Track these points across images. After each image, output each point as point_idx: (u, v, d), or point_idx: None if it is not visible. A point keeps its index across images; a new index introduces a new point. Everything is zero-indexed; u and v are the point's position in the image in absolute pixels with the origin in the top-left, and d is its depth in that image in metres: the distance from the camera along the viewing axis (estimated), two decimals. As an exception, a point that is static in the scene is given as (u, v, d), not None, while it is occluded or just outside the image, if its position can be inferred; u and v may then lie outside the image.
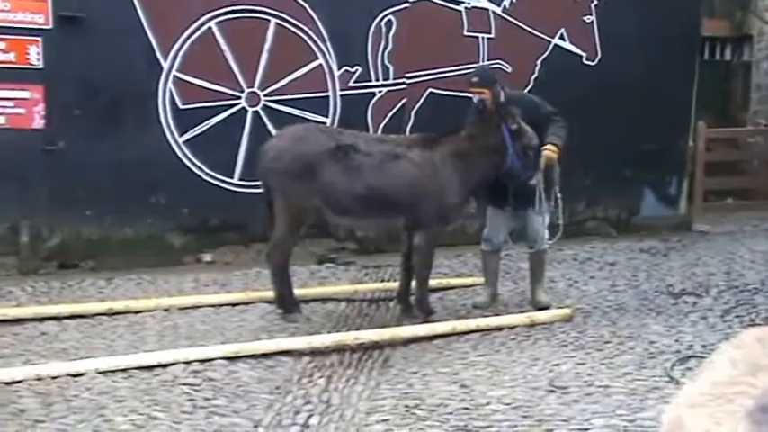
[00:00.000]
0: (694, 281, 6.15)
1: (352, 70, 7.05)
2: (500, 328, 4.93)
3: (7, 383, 3.90)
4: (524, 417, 3.61)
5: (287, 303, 5.11)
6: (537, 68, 7.55)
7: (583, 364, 4.31)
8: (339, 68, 7.00)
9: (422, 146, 5.13)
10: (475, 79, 5.26)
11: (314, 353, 4.47)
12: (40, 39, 6.22)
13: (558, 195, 5.30)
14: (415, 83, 7.22)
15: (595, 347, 4.60)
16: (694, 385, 0.86)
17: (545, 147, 5.14)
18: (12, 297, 5.60)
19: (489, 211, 5.42)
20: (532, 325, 5.00)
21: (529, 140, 5.11)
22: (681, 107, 8.08)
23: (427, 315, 5.12)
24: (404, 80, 7.18)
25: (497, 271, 5.59)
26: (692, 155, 8.48)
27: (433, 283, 5.45)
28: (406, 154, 5.05)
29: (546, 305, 5.34)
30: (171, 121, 6.63)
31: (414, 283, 5.20)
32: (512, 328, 4.95)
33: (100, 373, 4.05)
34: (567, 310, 5.24)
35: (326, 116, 6.97)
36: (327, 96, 7.02)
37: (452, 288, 5.91)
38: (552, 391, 3.91)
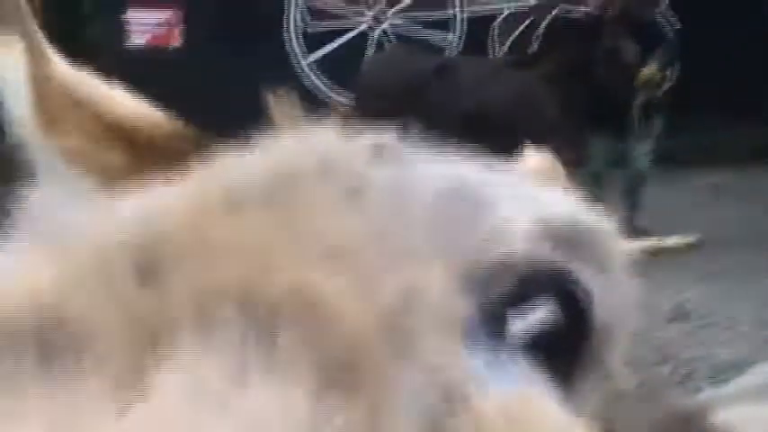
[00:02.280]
0: None
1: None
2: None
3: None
4: (647, 342, 3.58)
5: None
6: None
7: (709, 293, 4.20)
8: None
9: (520, 66, 4.99)
10: None
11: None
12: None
13: (659, 119, 5.02)
14: (542, 2, 6.98)
15: (724, 277, 4.46)
16: None
17: (646, 67, 4.86)
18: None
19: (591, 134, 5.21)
20: (658, 252, 4.87)
21: (627, 60, 4.83)
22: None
23: None
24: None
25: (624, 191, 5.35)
26: None
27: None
28: (506, 75, 4.92)
29: (644, 231, 5.12)
30: (300, 41, 6.76)
31: None
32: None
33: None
34: (696, 238, 5.06)
35: (452, 34, 6.89)
36: (453, 17, 6.92)
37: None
38: (675, 320, 3.86)
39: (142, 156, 0.37)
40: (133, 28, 6.55)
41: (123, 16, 6.51)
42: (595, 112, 5.03)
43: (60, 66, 0.39)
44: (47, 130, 0.38)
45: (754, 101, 7.09)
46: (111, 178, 0.37)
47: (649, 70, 4.84)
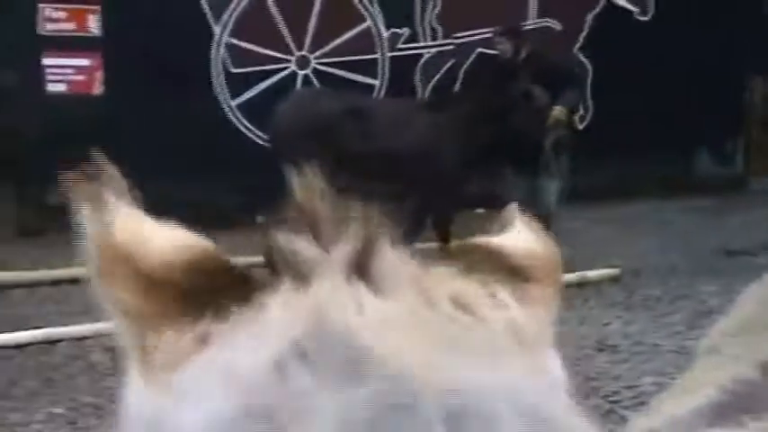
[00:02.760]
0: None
1: (401, 32, 7.05)
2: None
3: (78, 339, 4.12)
4: (573, 374, 3.67)
5: None
6: (587, 25, 7.44)
7: (632, 323, 4.35)
8: (387, 30, 7.01)
9: (428, 110, 5.12)
10: (498, 29, 5.21)
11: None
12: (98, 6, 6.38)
13: (566, 160, 5.23)
14: (464, 43, 7.19)
15: (645, 306, 4.62)
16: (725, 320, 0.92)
17: (555, 108, 5.04)
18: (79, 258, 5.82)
19: (508, 174, 5.35)
20: (581, 284, 5.03)
21: (538, 102, 5.00)
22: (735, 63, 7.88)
23: None
24: (452, 41, 7.16)
25: None
26: (749, 111, 8.29)
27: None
28: (413, 118, 5.04)
29: None
30: (223, 86, 6.75)
31: None
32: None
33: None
34: (617, 270, 5.25)
35: (375, 78, 7.01)
36: (376, 58, 7.05)
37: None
38: (601, 350, 3.96)
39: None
40: (51, 75, 6.44)
41: (41, 62, 6.40)
42: (510, 151, 5.16)
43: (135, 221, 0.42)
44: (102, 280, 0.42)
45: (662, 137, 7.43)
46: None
47: (558, 111, 5.01)
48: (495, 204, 6.38)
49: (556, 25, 7.23)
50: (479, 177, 5.58)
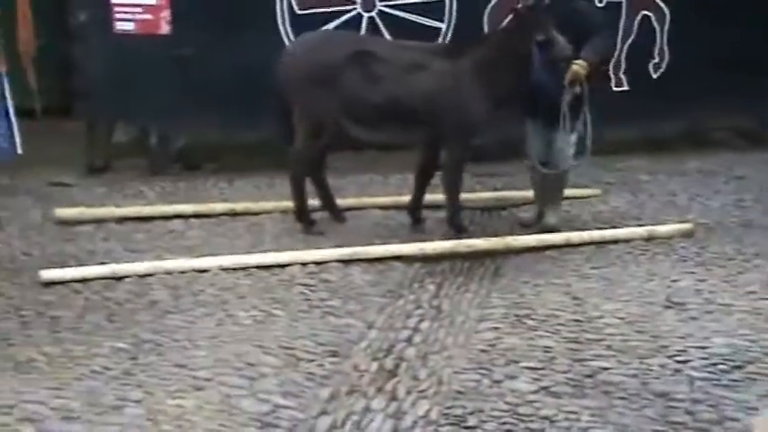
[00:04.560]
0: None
1: (470, -27, 6.81)
2: (616, 242, 4.82)
3: (141, 276, 4.18)
4: (638, 332, 3.55)
5: (304, 218, 5.03)
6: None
7: (703, 281, 4.18)
8: (456, -29, 6.77)
9: (445, 55, 4.88)
10: None
11: (425, 259, 4.53)
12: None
13: (588, 115, 4.88)
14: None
15: (717, 264, 4.43)
16: None
17: (575, 61, 4.70)
18: (143, 196, 5.93)
19: (527, 125, 5.05)
20: (650, 239, 4.85)
21: (559, 52, 4.65)
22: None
23: (459, 232, 4.93)
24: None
25: (543, 187, 5.17)
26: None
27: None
28: (428, 64, 4.81)
29: (553, 228, 4.98)
30: (288, 27, 6.66)
31: (444, 200, 5.04)
32: (628, 241, 4.82)
33: (223, 269, 4.27)
34: (689, 225, 5.04)
35: (442, 22, 6.81)
36: (443, 1, 6.84)
37: (567, 198, 5.79)
38: (669, 307, 3.82)
39: None
40: (119, 14, 6.45)
41: (109, 0, 6.41)
42: (525, 102, 4.93)
43: None
44: None
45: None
46: None
47: (577, 66, 4.70)
48: (508, 157, 6.20)
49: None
50: (495, 127, 5.40)
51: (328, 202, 5.28)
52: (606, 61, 4.77)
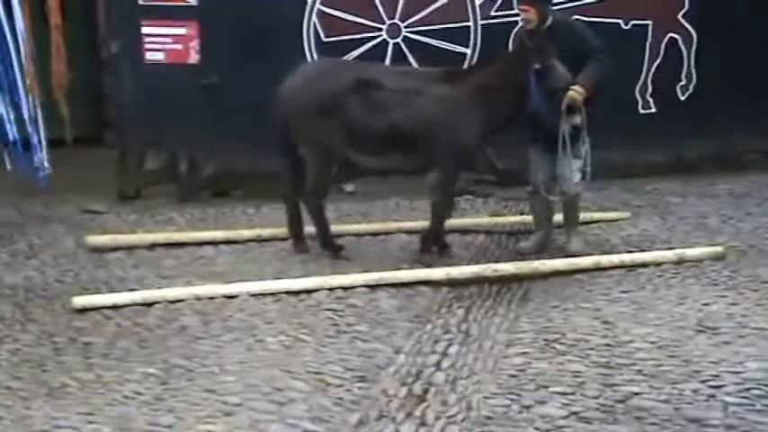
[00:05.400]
0: None
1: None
2: (645, 265, 4.77)
3: (171, 302, 4.22)
4: (670, 356, 3.51)
5: (330, 246, 5.04)
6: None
7: (736, 304, 4.12)
8: (480, -3, 6.83)
9: (444, 80, 4.85)
10: None
11: (453, 284, 4.52)
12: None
13: (586, 139, 4.78)
14: (560, 10, 6.92)
15: (750, 288, 4.37)
16: None
17: (572, 87, 4.66)
18: (172, 222, 6.00)
19: (530, 151, 5.01)
20: (680, 262, 4.80)
21: (555, 82, 4.63)
22: None
23: (423, 252, 4.95)
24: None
25: (545, 213, 5.12)
26: None
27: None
28: (426, 89, 4.80)
29: (577, 254, 4.93)
30: (315, 54, 6.74)
31: (430, 221, 5.01)
32: (658, 264, 4.77)
33: (252, 295, 4.30)
34: (720, 248, 4.98)
35: (467, 47, 6.85)
36: (468, 26, 6.88)
37: (595, 222, 5.75)
38: (701, 331, 3.77)
39: None
40: (149, 44, 6.58)
41: (140, 31, 6.54)
42: (528, 128, 4.90)
43: None
44: None
45: None
46: None
47: (574, 92, 4.65)
48: (509, 183, 6.16)
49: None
50: (489, 154, 5.36)
51: (296, 228, 5.19)
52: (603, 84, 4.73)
